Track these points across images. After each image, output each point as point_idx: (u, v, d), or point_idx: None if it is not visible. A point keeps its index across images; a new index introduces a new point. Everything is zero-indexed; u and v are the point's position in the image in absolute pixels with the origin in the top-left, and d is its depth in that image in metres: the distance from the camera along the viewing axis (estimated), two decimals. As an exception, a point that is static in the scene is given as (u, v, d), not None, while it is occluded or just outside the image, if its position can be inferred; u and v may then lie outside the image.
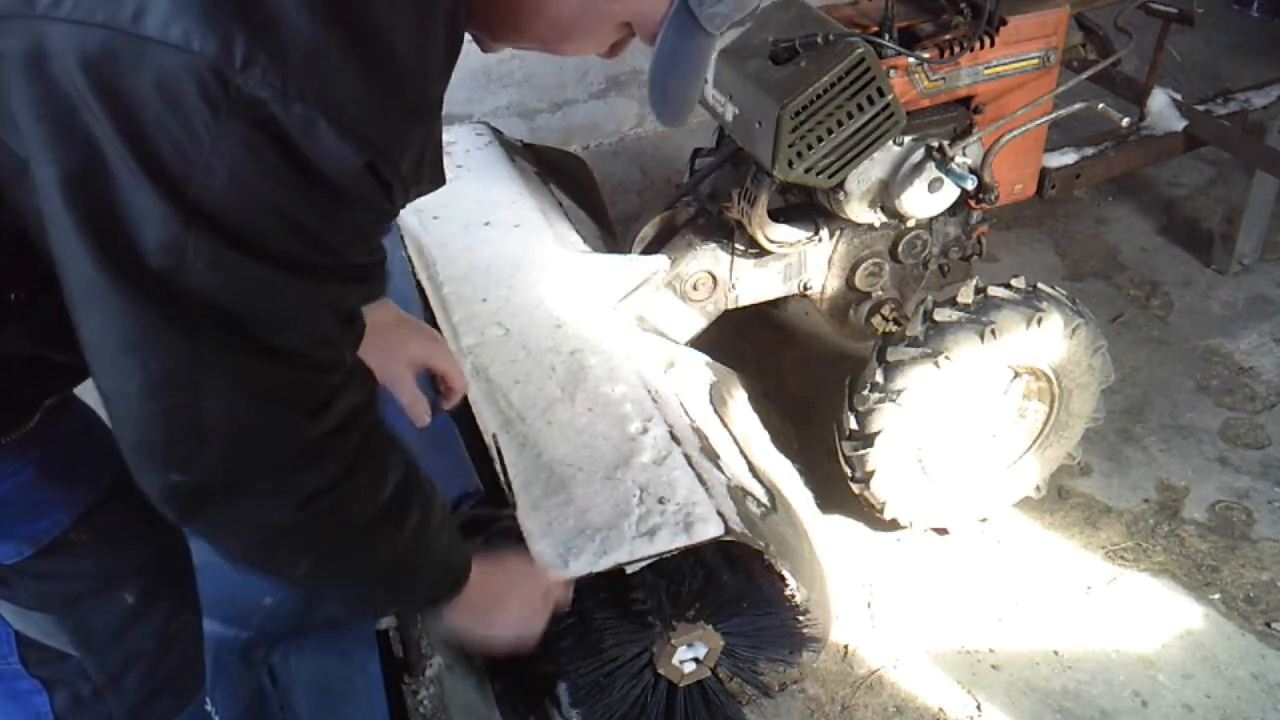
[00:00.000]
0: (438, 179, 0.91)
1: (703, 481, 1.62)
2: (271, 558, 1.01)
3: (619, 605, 1.59)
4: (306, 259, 0.82)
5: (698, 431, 1.79)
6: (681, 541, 1.52)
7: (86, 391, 1.08)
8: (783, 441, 2.19)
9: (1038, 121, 2.10)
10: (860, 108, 1.86)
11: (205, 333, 0.81)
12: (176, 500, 0.90)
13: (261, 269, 0.80)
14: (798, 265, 2.20)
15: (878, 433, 2.00)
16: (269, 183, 0.77)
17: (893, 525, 2.20)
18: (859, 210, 2.08)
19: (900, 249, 2.22)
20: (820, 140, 1.87)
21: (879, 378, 1.98)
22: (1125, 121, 2.14)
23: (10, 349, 0.94)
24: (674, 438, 1.69)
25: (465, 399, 1.63)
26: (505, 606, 1.31)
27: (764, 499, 1.78)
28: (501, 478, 1.59)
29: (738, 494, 1.69)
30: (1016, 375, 2.13)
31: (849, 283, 2.24)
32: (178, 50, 0.72)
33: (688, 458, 1.66)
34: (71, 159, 0.76)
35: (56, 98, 0.74)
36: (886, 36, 1.91)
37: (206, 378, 0.83)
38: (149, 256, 0.77)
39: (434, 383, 1.55)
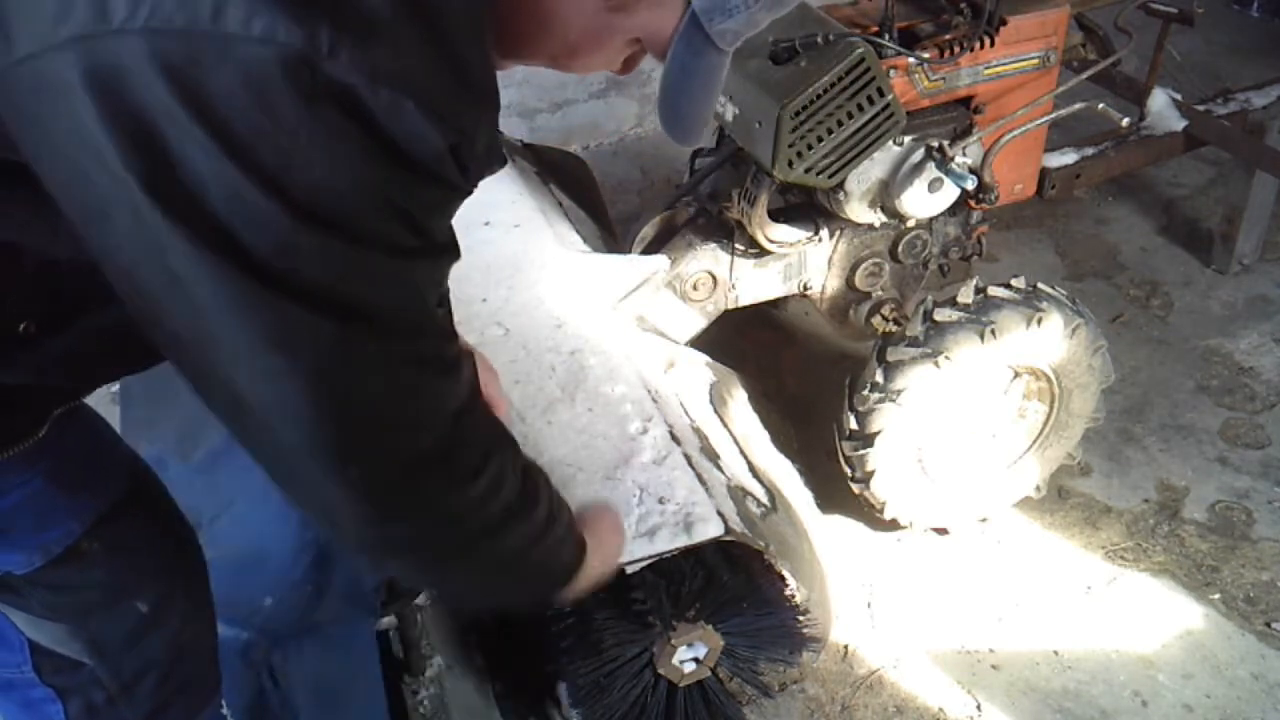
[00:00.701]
0: (501, 160, 0.93)
1: (703, 481, 1.62)
2: (465, 551, 1.02)
3: (619, 605, 1.59)
4: (404, 241, 0.83)
5: (698, 431, 1.79)
6: (681, 541, 1.52)
7: (96, 399, 1.08)
8: (783, 441, 2.19)
9: (1038, 121, 2.10)
10: (860, 108, 1.86)
11: (339, 315, 0.81)
12: (365, 497, 0.90)
13: (369, 255, 0.81)
14: (798, 265, 2.20)
15: (878, 433, 2.00)
16: (363, 168, 0.77)
17: (893, 525, 2.20)
18: (859, 210, 2.08)
19: (900, 249, 2.22)
20: (820, 140, 1.87)
21: (879, 378, 1.98)
22: (1125, 121, 2.14)
23: (12, 380, 0.93)
24: (674, 438, 1.69)
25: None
26: (599, 567, 1.32)
27: (764, 499, 1.78)
28: None
29: (738, 494, 1.70)
30: (1016, 375, 2.13)
31: (849, 283, 2.24)
32: (263, 43, 0.72)
33: (688, 458, 1.66)
34: (163, 176, 0.74)
35: (139, 115, 0.73)
36: (886, 36, 1.91)
37: (356, 358, 0.84)
38: (269, 259, 0.77)
39: None
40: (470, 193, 0.89)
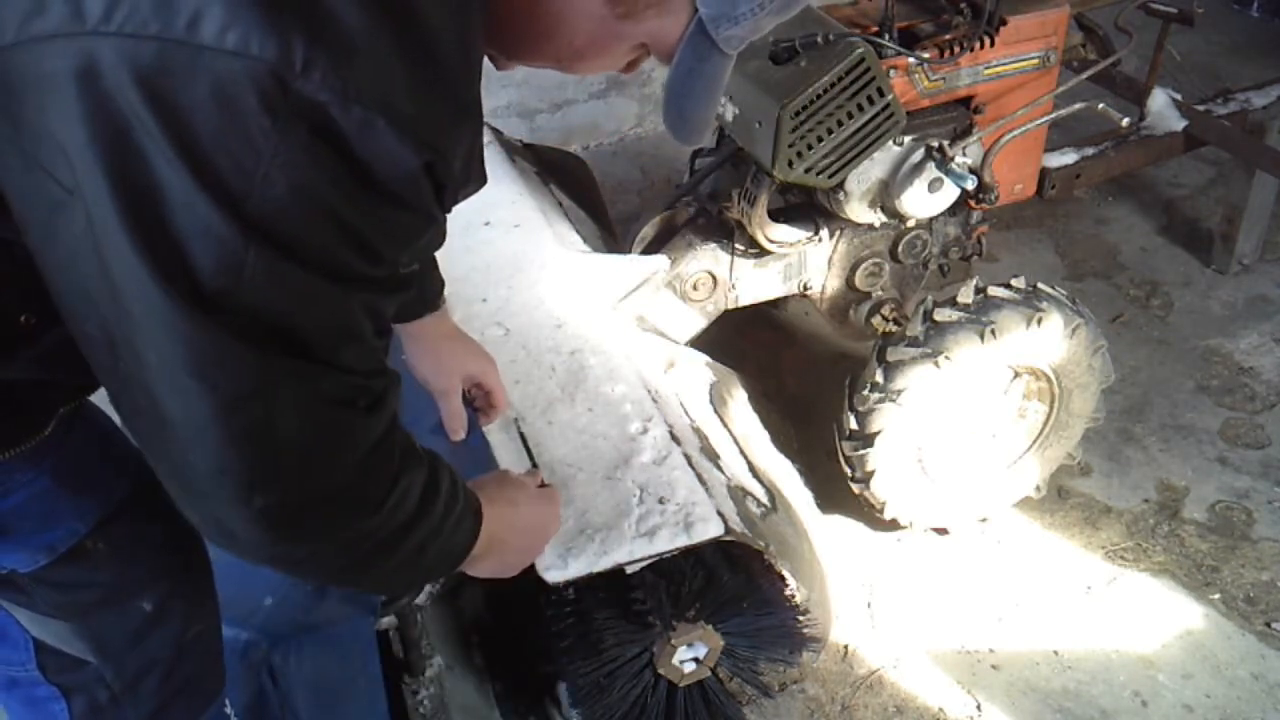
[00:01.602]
0: (481, 179, 0.91)
1: (703, 481, 1.62)
2: (362, 565, 1.00)
3: (619, 605, 1.60)
4: (356, 269, 0.82)
5: (698, 431, 1.79)
6: (681, 541, 1.52)
7: (101, 398, 1.08)
8: (783, 441, 2.19)
9: (1038, 121, 2.10)
10: (860, 108, 1.86)
11: (268, 347, 0.80)
12: (268, 523, 0.87)
13: (315, 280, 0.79)
14: (798, 265, 2.20)
15: (878, 433, 2.00)
16: (327, 189, 0.76)
17: (893, 525, 2.20)
18: (859, 210, 2.08)
19: (900, 249, 2.22)
20: (820, 140, 1.87)
21: (879, 378, 1.98)
22: (1125, 121, 2.14)
23: (16, 374, 0.94)
24: (674, 438, 1.69)
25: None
26: (511, 544, 1.29)
27: (764, 499, 1.78)
28: (529, 462, 1.61)
29: (738, 494, 1.70)
30: (1016, 375, 2.13)
31: (849, 283, 2.24)
32: (235, 56, 0.71)
33: (688, 458, 1.66)
34: (127, 180, 0.74)
35: (108, 116, 0.73)
36: (886, 36, 1.91)
37: (275, 392, 0.82)
38: (208, 277, 0.76)
39: (470, 400, 1.55)
40: (439, 220, 0.89)
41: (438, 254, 1.34)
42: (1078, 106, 2.08)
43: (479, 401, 1.56)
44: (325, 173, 0.76)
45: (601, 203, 2.53)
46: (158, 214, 0.74)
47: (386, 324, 0.93)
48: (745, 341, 2.51)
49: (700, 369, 2.03)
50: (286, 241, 0.77)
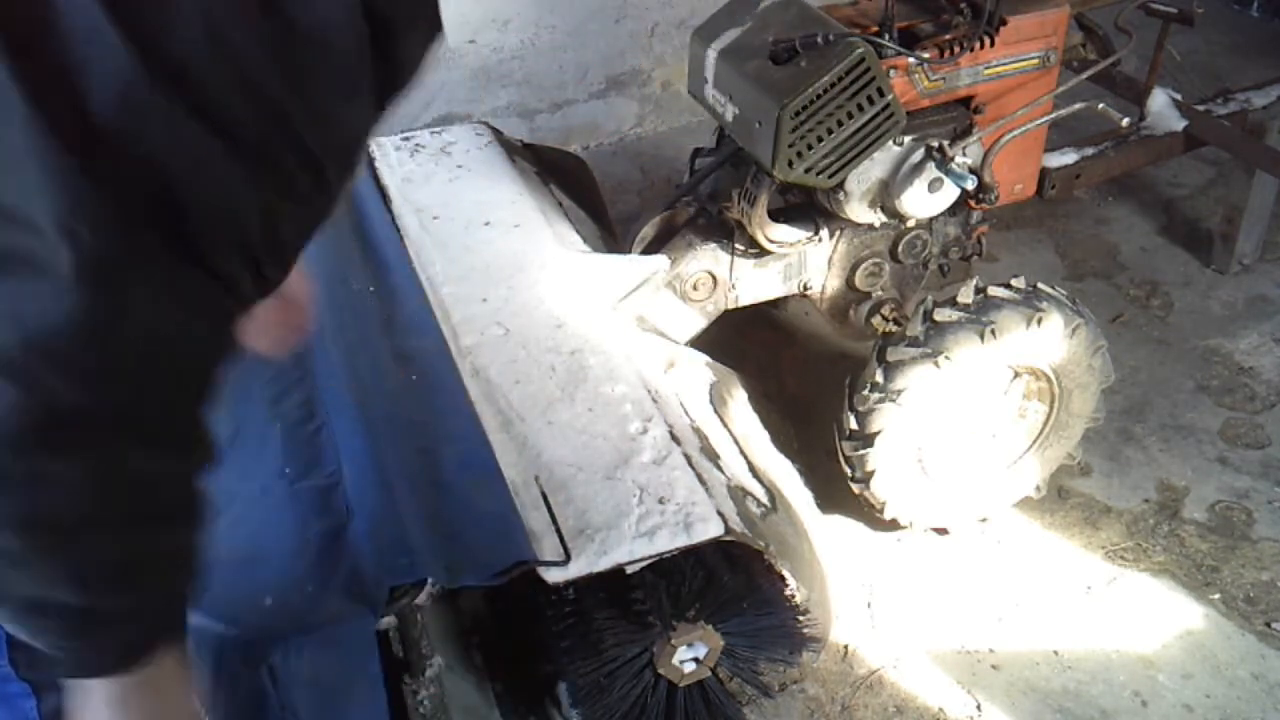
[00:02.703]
0: (435, 23, 0.82)
1: (703, 481, 1.62)
2: (93, 523, 0.81)
3: (619, 605, 1.60)
4: (263, 140, 0.73)
5: (698, 431, 1.79)
6: (681, 541, 1.52)
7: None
8: (783, 441, 2.19)
9: (1038, 121, 2.10)
10: (860, 108, 1.86)
11: (147, 217, 0.70)
12: (38, 415, 0.72)
13: (217, 146, 0.70)
14: (798, 265, 2.20)
15: (878, 433, 2.00)
16: (243, 35, 0.68)
17: (893, 525, 2.20)
18: (859, 210, 2.08)
19: (900, 249, 2.22)
20: (820, 140, 1.87)
21: (879, 378, 1.98)
22: (1125, 121, 2.14)
23: None
24: (674, 438, 1.69)
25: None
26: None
27: (764, 499, 1.78)
28: (553, 527, 1.56)
29: (738, 494, 1.70)
30: (1016, 375, 2.13)
31: (849, 283, 2.24)
32: None
33: (688, 458, 1.66)
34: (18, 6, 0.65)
35: None
36: (886, 36, 1.92)
37: (138, 272, 0.72)
38: (102, 111, 0.67)
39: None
40: (374, 93, 0.78)
41: (438, 253, 1.30)
42: (1078, 106, 2.08)
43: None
44: (245, 12, 0.68)
45: (601, 203, 2.53)
46: (55, 46, 0.66)
47: (281, 251, 0.81)
48: (745, 341, 2.51)
49: (700, 369, 2.03)
50: (197, 96, 0.69)
